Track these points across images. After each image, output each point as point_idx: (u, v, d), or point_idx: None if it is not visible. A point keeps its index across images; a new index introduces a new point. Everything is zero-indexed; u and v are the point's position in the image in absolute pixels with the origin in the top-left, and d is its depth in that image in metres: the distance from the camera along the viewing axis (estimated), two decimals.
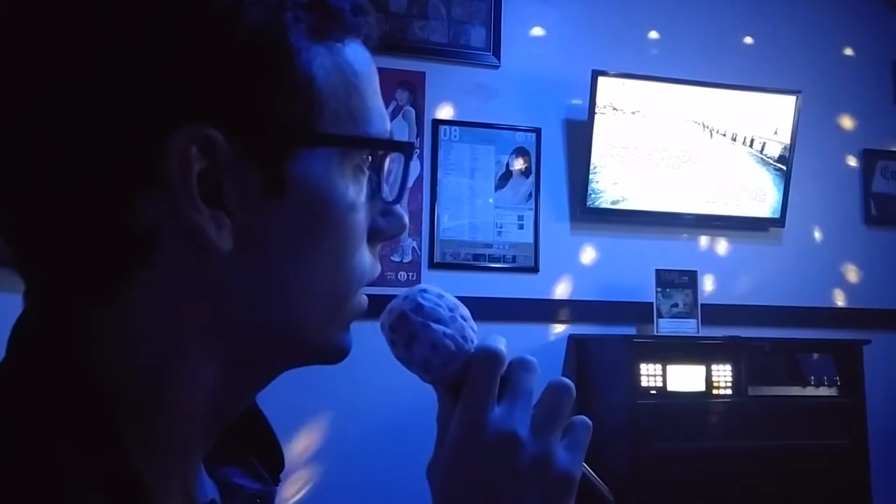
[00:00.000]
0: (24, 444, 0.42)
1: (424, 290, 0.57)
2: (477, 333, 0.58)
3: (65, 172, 0.44)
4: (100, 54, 0.43)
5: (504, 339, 0.56)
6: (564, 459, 0.53)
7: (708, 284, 3.00)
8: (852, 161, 3.44)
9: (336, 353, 0.54)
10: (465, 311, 0.58)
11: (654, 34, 3.23)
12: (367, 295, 0.56)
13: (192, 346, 0.47)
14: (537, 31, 3.11)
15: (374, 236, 0.54)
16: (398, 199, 0.55)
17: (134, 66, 0.43)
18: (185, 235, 0.45)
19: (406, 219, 0.56)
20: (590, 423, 0.57)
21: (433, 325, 0.55)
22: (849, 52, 3.46)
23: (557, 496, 0.53)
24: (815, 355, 2.84)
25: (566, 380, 0.56)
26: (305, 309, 0.50)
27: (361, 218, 0.52)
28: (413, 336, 0.55)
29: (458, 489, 0.52)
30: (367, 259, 0.53)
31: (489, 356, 0.55)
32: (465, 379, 0.54)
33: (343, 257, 0.51)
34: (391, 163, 0.55)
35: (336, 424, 2.72)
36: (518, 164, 3.02)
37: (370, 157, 0.53)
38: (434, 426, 0.57)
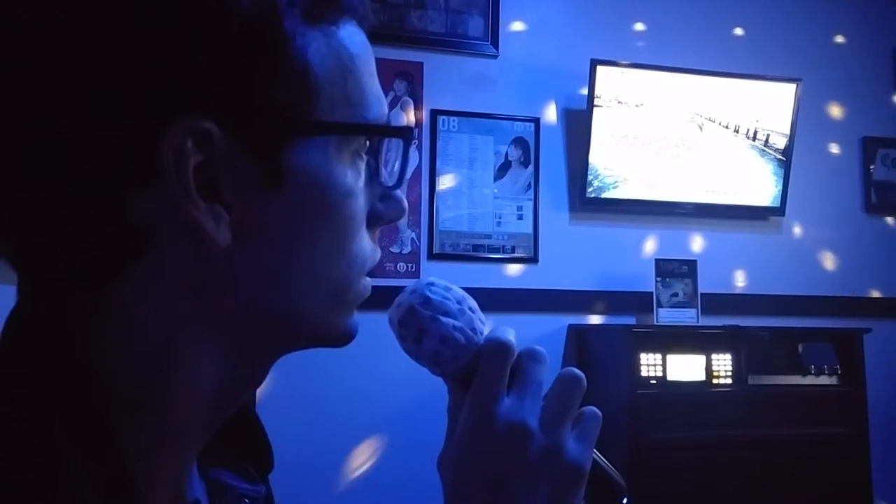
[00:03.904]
0: (17, 438, 0.41)
1: (432, 284, 0.57)
2: (485, 324, 0.57)
3: (59, 168, 0.43)
4: (91, 49, 0.42)
5: (513, 330, 0.56)
6: (574, 450, 0.53)
7: (708, 274, 3.00)
8: (852, 149, 3.43)
9: (341, 337, 0.54)
10: (473, 303, 0.58)
11: (652, 24, 3.21)
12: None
13: (191, 339, 0.47)
14: (536, 21, 3.10)
15: (373, 221, 0.54)
16: (398, 185, 0.55)
17: (126, 60, 0.42)
18: (183, 230, 0.45)
19: (405, 203, 0.56)
20: (599, 413, 0.57)
21: (442, 318, 0.55)
22: (848, 39, 3.45)
23: (567, 487, 0.53)
24: (816, 344, 2.85)
25: (577, 371, 0.56)
26: (307, 297, 0.50)
27: (360, 203, 0.52)
28: (422, 330, 0.55)
29: (468, 481, 0.52)
30: (367, 244, 0.53)
31: (499, 347, 0.54)
32: (475, 371, 0.54)
33: (343, 244, 0.51)
34: (389, 147, 0.54)
35: (344, 416, 2.73)
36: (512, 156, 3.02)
37: (368, 142, 0.52)
38: (444, 418, 0.57)
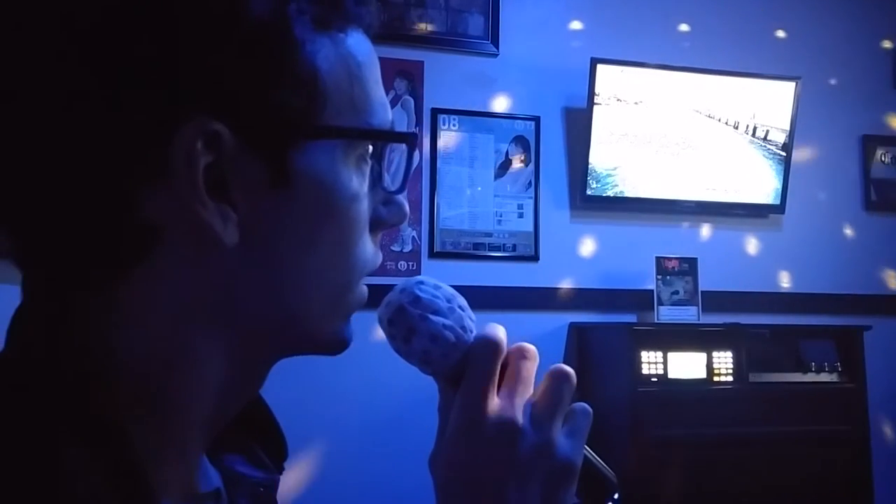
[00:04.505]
0: (25, 435, 0.42)
1: (421, 282, 0.57)
2: (475, 322, 0.57)
3: (69, 166, 0.44)
4: (103, 50, 0.43)
5: (503, 328, 0.56)
6: (565, 447, 0.54)
7: (708, 271, 2.99)
8: (851, 147, 3.43)
9: (337, 344, 0.54)
10: (463, 301, 0.58)
11: (652, 22, 3.21)
12: (367, 285, 0.56)
13: (196, 337, 0.48)
14: (536, 20, 3.09)
15: (375, 225, 0.55)
16: (401, 189, 0.55)
17: (138, 61, 0.43)
18: (191, 229, 0.45)
19: (407, 207, 0.57)
20: (590, 409, 0.57)
21: (432, 316, 0.55)
22: (847, 38, 3.44)
23: (559, 483, 0.53)
24: (816, 341, 2.84)
25: (566, 367, 0.56)
26: (309, 299, 0.51)
27: (364, 207, 0.52)
28: (412, 329, 0.55)
29: (460, 479, 0.53)
30: (369, 248, 0.54)
31: (488, 345, 0.55)
32: (465, 369, 0.54)
33: (346, 247, 0.51)
34: (393, 152, 0.55)
35: (336, 415, 2.73)
36: (517, 158, 3.01)
37: (372, 147, 0.53)
38: (435, 417, 0.57)
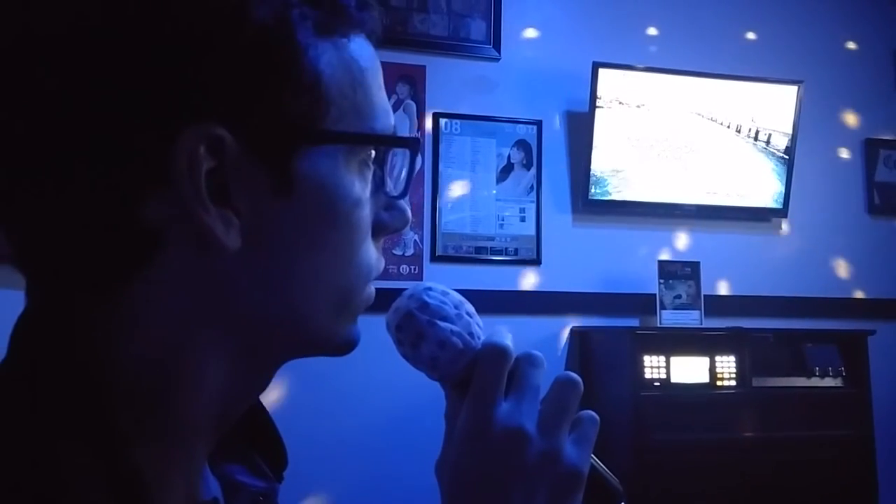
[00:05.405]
0: (25, 441, 0.42)
1: (429, 288, 0.57)
2: (483, 329, 0.57)
3: (72, 170, 0.44)
4: (107, 53, 0.43)
5: (510, 335, 0.56)
6: (572, 454, 0.54)
7: (711, 275, 2.99)
8: (855, 151, 3.43)
9: (345, 345, 0.54)
10: (471, 308, 0.58)
11: (654, 27, 3.21)
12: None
13: (199, 343, 0.48)
14: (538, 24, 3.10)
15: (377, 230, 0.55)
16: (403, 195, 0.55)
17: (141, 65, 0.43)
18: (194, 234, 0.45)
19: (409, 213, 0.57)
20: (597, 417, 0.57)
21: (440, 323, 0.55)
22: (850, 41, 3.45)
23: (565, 491, 0.53)
24: (820, 346, 2.83)
25: (573, 374, 0.56)
26: (313, 304, 0.51)
27: (366, 213, 0.52)
28: (420, 335, 0.55)
29: (466, 486, 0.53)
30: (371, 253, 0.54)
31: (496, 352, 0.54)
32: (472, 375, 0.54)
33: (349, 252, 0.51)
34: (395, 157, 0.55)
35: (341, 421, 2.72)
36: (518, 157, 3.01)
37: (374, 152, 0.53)
38: (442, 423, 0.57)
